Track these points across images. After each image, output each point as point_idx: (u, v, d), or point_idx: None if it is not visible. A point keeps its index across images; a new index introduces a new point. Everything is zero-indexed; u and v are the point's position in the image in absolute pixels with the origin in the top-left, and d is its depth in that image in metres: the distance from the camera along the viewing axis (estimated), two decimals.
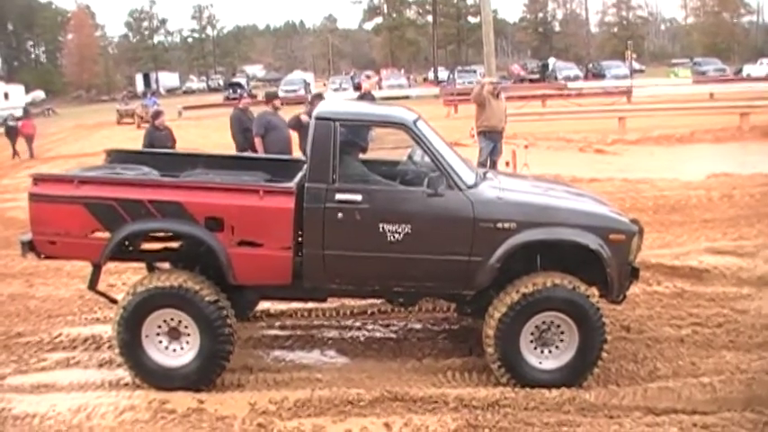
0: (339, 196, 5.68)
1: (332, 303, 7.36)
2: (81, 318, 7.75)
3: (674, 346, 6.59)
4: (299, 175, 6.05)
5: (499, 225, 5.66)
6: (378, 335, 7.12)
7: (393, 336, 7.08)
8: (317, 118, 5.90)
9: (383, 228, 5.65)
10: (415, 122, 6.05)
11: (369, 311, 7.52)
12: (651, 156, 18.32)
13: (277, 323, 7.40)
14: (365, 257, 5.74)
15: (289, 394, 5.68)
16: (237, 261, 5.71)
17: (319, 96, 11.86)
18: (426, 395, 5.60)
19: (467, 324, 7.21)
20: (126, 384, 6.02)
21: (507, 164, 13.95)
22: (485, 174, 6.52)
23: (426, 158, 6.02)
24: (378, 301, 7.39)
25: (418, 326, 7.30)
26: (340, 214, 5.66)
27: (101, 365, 6.49)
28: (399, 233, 5.65)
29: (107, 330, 7.11)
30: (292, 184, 5.78)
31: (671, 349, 6.52)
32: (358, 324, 7.37)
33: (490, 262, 5.67)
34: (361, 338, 7.02)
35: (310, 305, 7.48)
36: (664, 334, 6.83)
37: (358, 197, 5.69)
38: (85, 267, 8.83)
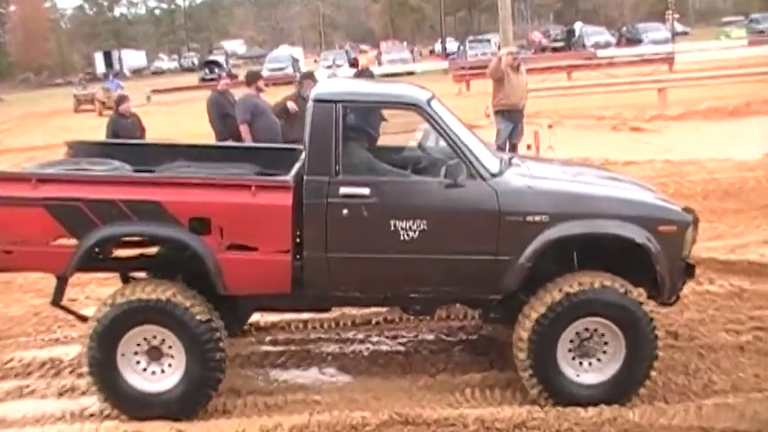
0: (344, 190, 5.67)
1: (331, 313, 7.35)
2: (36, 339, 7.71)
3: (733, 355, 6.56)
4: (297, 166, 6.04)
5: (529, 218, 5.64)
6: (384, 348, 7.11)
7: (402, 349, 7.08)
8: (316, 100, 5.90)
9: (395, 225, 5.65)
10: (428, 102, 6.04)
11: (373, 321, 7.53)
12: (698, 132, 18.33)
13: (268, 338, 7.39)
14: (375, 260, 5.75)
15: (283, 420, 5.67)
16: (228, 268, 5.70)
17: (309, 76, 11.86)
18: (442, 417, 5.60)
19: (487, 333, 7.22)
20: (91, 415, 6.01)
21: (529, 147, 13.95)
22: (510, 159, 6.50)
23: (441, 143, 6.02)
24: (383, 310, 7.39)
25: (430, 336, 7.30)
26: (345, 210, 5.65)
27: (61, 394, 6.46)
28: (414, 231, 5.65)
29: (68, 353, 7.14)
30: (289, 178, 5.76)
31: (729, 359, 6.50)
32: (361, 336, 7.37)
33: (520, 261, 5.66)
34: (365, 353, 7.03)
35: (306, 316, 7.49)
36: (719, 341, 6.80)
37: (365, 190, 5.68)
38: (41, 280, 8.89)
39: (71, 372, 6.82)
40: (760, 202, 11.36)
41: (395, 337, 7.32)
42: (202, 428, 5.65)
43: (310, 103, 5.93)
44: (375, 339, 7.31)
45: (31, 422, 5.99)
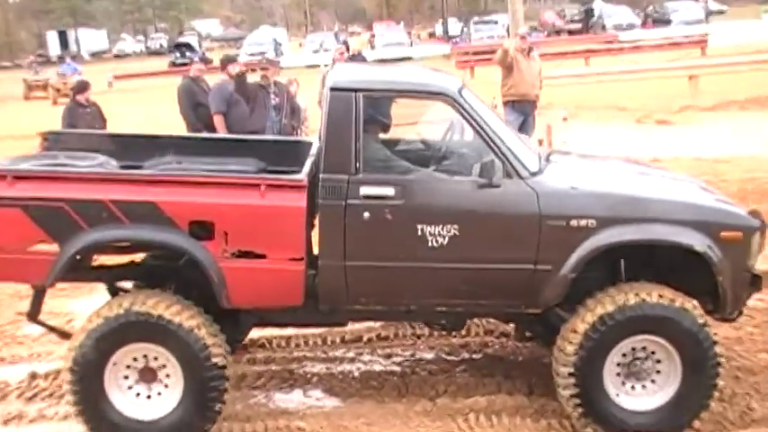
0: (365, 190, 5.67)
1: (316, 329, 7.38)
2: None
3: None
4: (309, 162, 6.05)
5: (573, 223, 5.64)
6: (377, 368, 7.13)
7: (397, 369, 7.09)
8: (334, 88, 5.88)
9: (422, 230, 5.66)
10: (459, 91, 6.04)
11: (365, 338, 7.56)
12: (734, 126, 18.32)
13: (245, 356, 7.37)
14: (400, 269, 5.76)
15: None
16: (233, 278, 5.67)
17: (270, 62, 11.96)
18: None
19: (493, 352, 7.26)
20: None
21: (541, 142, 13.96)
22: (549, 156, 6.53)
23: (468, 137, 6.06)
24: (376, 325, 7.43)
25: (429, 355, 7.33)
26: (366, 213, 5.65)
27: (7, 422, 6.44)
28: (444, 236, 5.65)
29: (15, 374, 7.13)
30: (303, 176, 5.75)
31: None
32: (351, 354, 7.40)
33: (562, 271, 5.67)
34: (356, 373, 7.04)
35: (289, 332, 7.52)
36: (759, 363, 6.84)
37: (389, 191, 5.69)
38: None
39: (19, 395, 6.82)
40: None
41: (389, 356, 7.33)
42: None
43: (326, 92, 5.91)
44: (367, 358, 7.33)
45: None
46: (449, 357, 7.27)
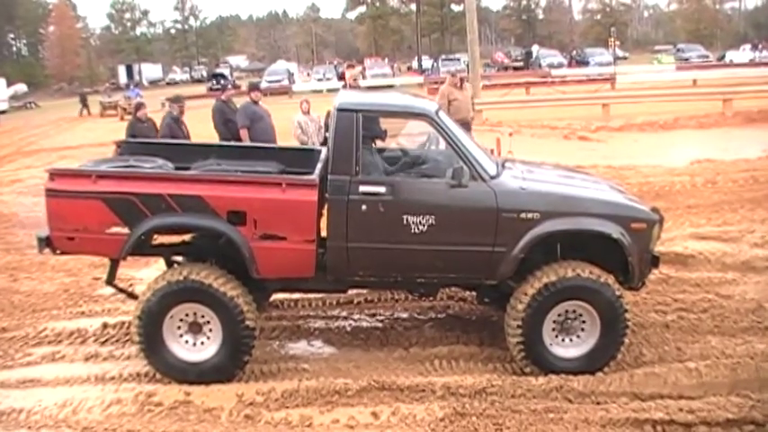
0: (363, 188, 5.65)
1: (316, 293, 7.33)
2: (66, 312, 7.69)
3: (660, 331, 6.62)
4: (319, 166, 6.00)
5: (523, 215, 5.66)
6: (364, 324, 7.11)
7: (379, 325, 7.07)
8: (340, 109, 5.84)
9: (407, 219, 5.64)
10: (436, 112, 6.03)
11: (355, 301, 7.51)
12: (635, 142, 18.40)
13: (263, 314, 7.33)
14: (389, 249, 5.73)
15: (276, 385, 5.67)
16: (260, 255, 5.67)
17: (256, 87, 11.92)
18: (413, 384, 5.61)
19: (452, 312, 7.24)
20: (112, 378, 6.01)
21: (492, 152, 13.90)
22: (504, 163, 6.48)
23: (441, 147, 6.04)
24: (363, 291, 7.39)
25: (404, 315, 7.30)
26: (364, 206, 5.63)
27: (87, 359, 6.45)
28: (423, 224, 5.64)
29: (92, 324, 7.13)
30: (315, 177, 5.73)
31: (657, 335, 6.55)
32: (344, 314, 7.36)
33: (513, 252, 5.68)
34: (348, 328, 7.01)
35: (296, 296, 7.47)
36: (649, 320, 6.86)
37: (382, 189, 5.67)
38: (71, 261, 8.87)
39: (95, 340, 6.84)
40: (685, 203, 11.46)
41: (373, 315, 7.31)
42: (206, 391, 5.66)
43: (334, 112, 5.88)
44: (356, 317, 7.30)
45: (62, 383, 6.00)
46: (419, 316, 7.26)
